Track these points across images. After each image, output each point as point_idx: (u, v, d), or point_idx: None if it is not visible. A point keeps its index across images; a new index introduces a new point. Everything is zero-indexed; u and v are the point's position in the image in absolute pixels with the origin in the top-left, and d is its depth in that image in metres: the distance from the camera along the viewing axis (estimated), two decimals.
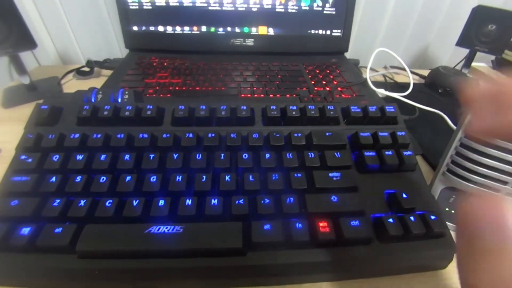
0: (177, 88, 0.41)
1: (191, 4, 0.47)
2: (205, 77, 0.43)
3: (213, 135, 0.25)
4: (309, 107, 0.28)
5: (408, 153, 0.27)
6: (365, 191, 0.25)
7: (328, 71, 0.48)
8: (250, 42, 0.50)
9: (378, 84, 0.53)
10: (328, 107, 0.28)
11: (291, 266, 0.21)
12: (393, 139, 0.27)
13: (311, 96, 0.41)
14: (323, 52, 0.53)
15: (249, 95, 0.40)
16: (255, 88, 0.42)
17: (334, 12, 0.50)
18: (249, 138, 0.25)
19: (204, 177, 0.23)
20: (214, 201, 0.22)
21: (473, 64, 0.72)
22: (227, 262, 0.20)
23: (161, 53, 0.50)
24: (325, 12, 0.50)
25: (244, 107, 0.27)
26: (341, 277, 0.23)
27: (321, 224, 0.21)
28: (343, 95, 0.43)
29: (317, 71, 0.48)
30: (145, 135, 0.25)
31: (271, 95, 0.41)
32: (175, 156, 0.24)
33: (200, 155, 0.24)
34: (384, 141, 0.27)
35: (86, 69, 0.51)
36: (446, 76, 0.53)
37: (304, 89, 0.43)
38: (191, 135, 0.25)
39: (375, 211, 0.24)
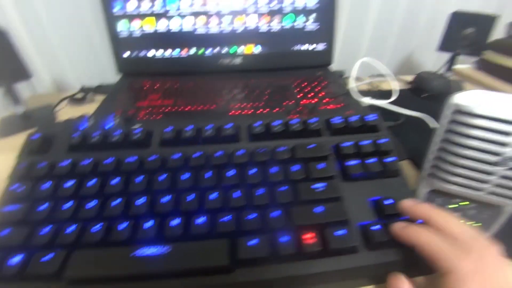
0: (168, 109, 0.42)
1: (178, 29, 0.49)
2: (195, 97, 0.44)
3: (199, 154, 0.26)
4: (292, 121, 0.29)
5: (391, 159, 0.27)
6: (351, 200, 0.25)
7: (314, 84, 0.49)
8: (237, 61, 0.52)
9: (364, 93, 0.54)
10: (310, 120, 0.29)
11: (279, 280, 0.21)
12: (375, 146, 0.28)
13: (298, 109, 0.42)
14: (309, 66, 0.54)
15: (237, 112, 0.41)
16: (243, 105, 0.43)
17: (316, 28, 0.52)
18: (234, 155, 0.26)
19: (191, 196, 0.23)
20: (201, 220, 0.22)
21: (458, 66, 0.74)
22: (215, 280, 0.20)
23: (152, 76, 0.51)
24: (307, 28, 0.52)
25: (229, 125, 0.28)
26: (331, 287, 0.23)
27: (307, 236, 0.22)
28: (329, 107, 0.44)
29: (304, 84, 0.49)
30: (133, 158, 0.26)
31: (259, 111, 0.42)
32: (162, 177, 0.25)
33: (187, 175, 0.25)
34: (366, 149, 0.28)
35: (80, 95, 0.53)
36: (429, 81, 0.55)
37: (291, 103, 0.44)
38: (177, 156, 0.26)
39: (360, 219, 0.24)
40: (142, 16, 0.49)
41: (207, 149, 0.27)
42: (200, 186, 0.24)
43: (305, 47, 0.53)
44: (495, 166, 0.24)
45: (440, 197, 0.28)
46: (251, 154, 0.26)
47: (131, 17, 0.48)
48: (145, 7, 0.48)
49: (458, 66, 0.73)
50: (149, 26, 0.49)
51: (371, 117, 0.30)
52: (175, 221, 0.22)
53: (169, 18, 0.49)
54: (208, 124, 0.28)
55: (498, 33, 0.70)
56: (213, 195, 0.23)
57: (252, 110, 0.42)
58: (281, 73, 0.53)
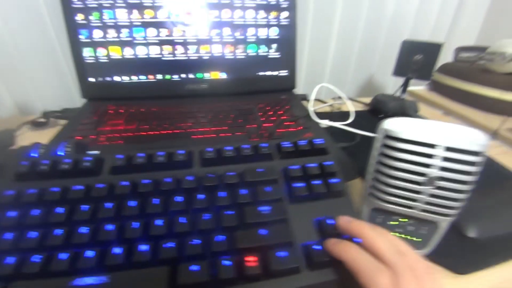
0: (130, 134, 0.42)
1: (146, 56, 0.51)
2: (158, 122, 0.45)
3: (148, 181, 0.26)
4: (243, 146, 0.30)
5: (335, 180, 0.29)
6: (297, 221, 0.26)
7: (277, 108, 0.52)
8: (204, 86, 0.54)
9: (326, 115, 0.57)
10: (261, 145, 0.31)
11: None
12: (320, 169, 0.30)
13: (260, 132, 0.44)
14: (273, 90, 0.57)
15: (200, 136, 0.42)
16: (207, 129, 0.44)
17: (278, 56, 0.55)
18: (183, 181, 0.27)
19: (136, 224, 0.24)
20: (144, 247, 0.22)
21: (412, 88, 0.80)
22: None
23: (118, 101, 0.52)
24: (270, 56, 0.55)
25: (181, 152, 0.29)
26: None
27: (249, 259, 0.23)
28: (290, 129, 0.46)
29: (267, 108, 0.52)
30: (80, 187, 0.26)
31: (222, 135, 0.43)
32: (109, 205, 0.25)
33: (134, 203, 0.25)
34: (312, 172, 0.29)
35: (43, 119, 0.52)
36: (385, 102, 0.59)
37: (254, 126, 0.46)
38: (126, 183, 0.26)
39: (305, 239, 0.25)
40: (107, 44, 0.50)
41: (158, 176, 0.27)
42: (147, 213, 0.25)
43: (269, 73, 0.56)
44: (422, 186, 0.26)
45: (381, 215, 0.29)
46: (200, 179, 0.27)
47: (96, 44, 0.50)
48: (111, 35, 0.50)
49: (413, 88, 0.79)
50: (115, 53, 0.51)
51: (319, 141, 0.32)
52: (117, 250, 0.22)
53: (135, 46, 0.50)
54: (162, 150, 0.28)
55: (447, 57, 0.78)
56: (159, 222, 0.24)
57: (215, 134, 0.43)
58: (247, 97, 0.55)
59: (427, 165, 0.25)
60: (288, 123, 0.47)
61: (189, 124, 0.45)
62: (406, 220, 0.29)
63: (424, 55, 0.63)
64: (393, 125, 0.27)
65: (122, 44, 0.51)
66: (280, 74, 0.57)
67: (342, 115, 0.59)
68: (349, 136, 0.50)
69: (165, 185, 0.26)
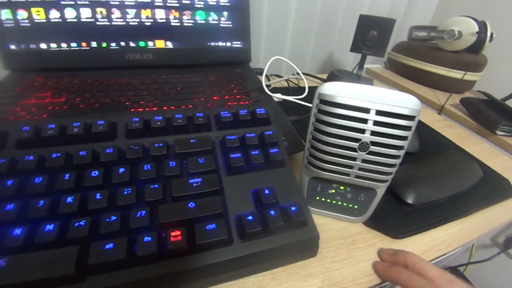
0: (57, 107, 0.37)
1: (75, 20, 0.45)
2: (92, 94, 0.41)
3: (58, 155, 0.23)
4: (176, 116, 0.28)
5: (274, 150, 0.28)
6: (232, 193, 0.25)
7: (229, 81, 0.49)
8: (148, 56, 0.49)
9: (283, 90, 0.56)
10: (197, 114, 0.29)
11: (135, 284, 0.19)
12: (260, 139, 0.28)
13: (208, 105, 0.41)
14: (226, 63, 0.54)
15: (140, 109, 0.39)
16: (148, 102, 0.41)
17: (230, 26, 0.52)
18: (101, 154, 0.24)
19: (40, 202, 0.21)
20: (49, 227, 0.20)
21: (370, 65, 0.81)
22: None
23: (47, 72, 0.46)
24: (222, 25, 0.51)
25: (101, 122, 0.26)
26: (203, 284, 0.22)
27: (173, 234, 0.21)
28: (241, 103, 0.44)
29: (219, 81, 0.49)
30: None
31: (164, 107, 0.40)
32: (9, 183, 0.21)
33: (39, 179, 0.22)
34: (250, 142, 0.28)
35: None
36: (340, 78, 0.59)
37: (202, 99, 0.43)
38: (30, 158, 0.23)
39: (240, 211, 0.24)
40: (28, 5, 0.43)
41: (72, 149, 0.24)
42: (56, 189, 0.22)
43: (221, 44, 0.53)
44: (356, 152, 0.26)
45: (320, 184, 0.29)
46: (122, 152, 0.24)
47: (15, 5, 0.42)
48: None
49: (371, 66, 0.81)
50: (39, 16, 0.44)
51: (260, 111, 0.31)
52: (18, 231, 0.19)
53: (62, 8, 0.44)
54: (74, 122, 0.25)
55: (404, 36, 0.79)
56: (69, 199, 0.21)
57: (157, 107, 0.40)
58: (198, 70, 0.51)
59: (360, 130, 0.25)
60: (240, 96, 0.45)
61: (129, 96, 0.41)
62: (343, 188, 0.29)
63: (378, 31, 0.63)
64: (326, 89, 0.25)
65: (47, 5, 0.44)
66: (234, 46, 0.54)
67: (298, 90, 0.59)
68: (305, 110, 0.49)
69: (78, 158, 0.23)
